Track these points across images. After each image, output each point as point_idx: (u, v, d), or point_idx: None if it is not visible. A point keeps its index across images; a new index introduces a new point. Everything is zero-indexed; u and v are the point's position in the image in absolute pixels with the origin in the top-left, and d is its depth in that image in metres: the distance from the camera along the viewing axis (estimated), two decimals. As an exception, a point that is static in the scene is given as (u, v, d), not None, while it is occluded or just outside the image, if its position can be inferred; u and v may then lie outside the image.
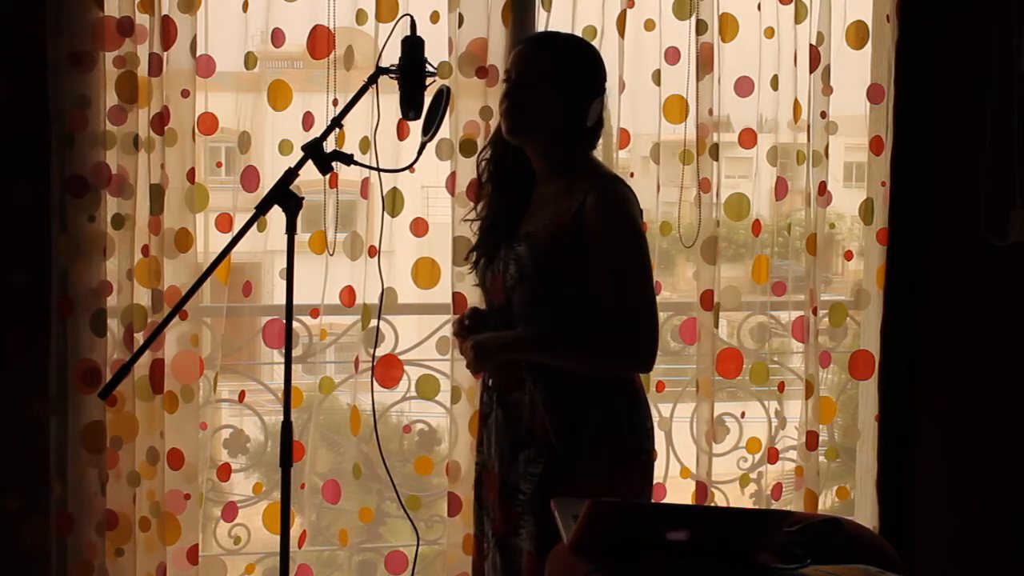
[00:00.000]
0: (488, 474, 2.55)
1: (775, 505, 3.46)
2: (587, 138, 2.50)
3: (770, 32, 3.34)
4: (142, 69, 2.99)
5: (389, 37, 2.59)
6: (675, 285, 4.17)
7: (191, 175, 3.05)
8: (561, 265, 2.39)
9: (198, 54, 3.05)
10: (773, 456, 3.49)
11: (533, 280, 2.41)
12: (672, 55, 3.28)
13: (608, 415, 2.41)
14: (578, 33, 3.17)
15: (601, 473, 2.38)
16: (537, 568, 2.37)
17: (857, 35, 3.40)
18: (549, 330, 2.42)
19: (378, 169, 2.66)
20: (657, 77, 3.27)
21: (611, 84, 2.57)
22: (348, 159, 2.47)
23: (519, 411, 2.45)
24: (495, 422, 2.52)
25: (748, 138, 3.39)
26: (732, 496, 3.53)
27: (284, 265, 2.38)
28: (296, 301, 2.39)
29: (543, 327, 2.43)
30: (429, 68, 2.48)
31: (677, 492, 3.43)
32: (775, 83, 3.34)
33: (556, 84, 2.43)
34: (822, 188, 3.37)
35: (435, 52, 2.75)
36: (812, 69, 3.33)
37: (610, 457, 2.40)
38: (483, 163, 2.59)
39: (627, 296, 2.34)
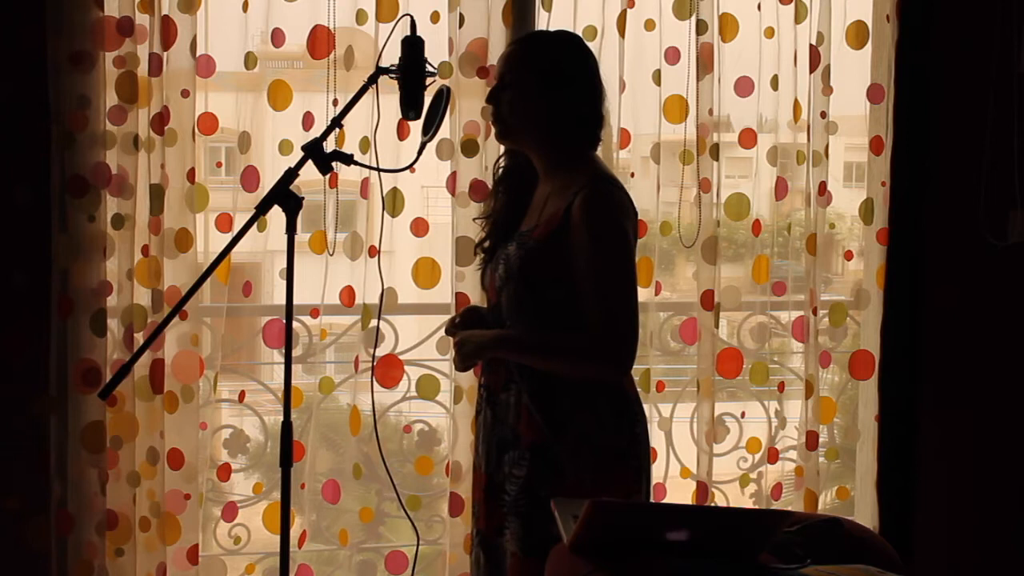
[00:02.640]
0: (476, 473, 2.56)
1: (775, 505, 3.46)
2: (583, 135, 2.46)
3: (770, 32, 3.34)
4: (142, 69, 2.99)
5: (389, 37, 2.59)
6: (675, 285, 4.17)
7: (191, 175, 3.05)
8: (547, 267, 2.37)
9: (198, 54, 3.05)
10: (773, 456, 3.49)
11: (518, 281, 2.41)
12: (672, 55, 3.27)
13: (593, 419, 2.39)
14: (578, 33, 3.17)
15: (585, 478, 2.36)
16: (522, 569, 2.38)
17: (857, 35, 3.40)
18: (532, 330, 2.42)
19: (378, 169, 2.67)
20: (657, 77, 3.27)
21: (611, 84, 2.56)
22: (348, 159, 2.48)
23: (506, 412, 2.45)
24: (484, 421, 2.52)
25: (748, 138, 3.39)
26: (732, 496, 3.53)
27: (284, 265, 2.38)
28: (296, 301, 2.40)
29: (527, 327, 2.42)
30: (429, 68, 2.48)
31: (677, 492, 3.43)
32: (775, 83, 3.34)
33: (536, 84, 2.41)
34: (822, 188, 3.37)
35: (435, 52, 2.75)
36: (812, 69, 3.33)
37: (594, 462, 2.38)
38: (498, 159, 2.61)
39: (604, 299, 2.31)
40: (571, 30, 3.16)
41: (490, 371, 2.51)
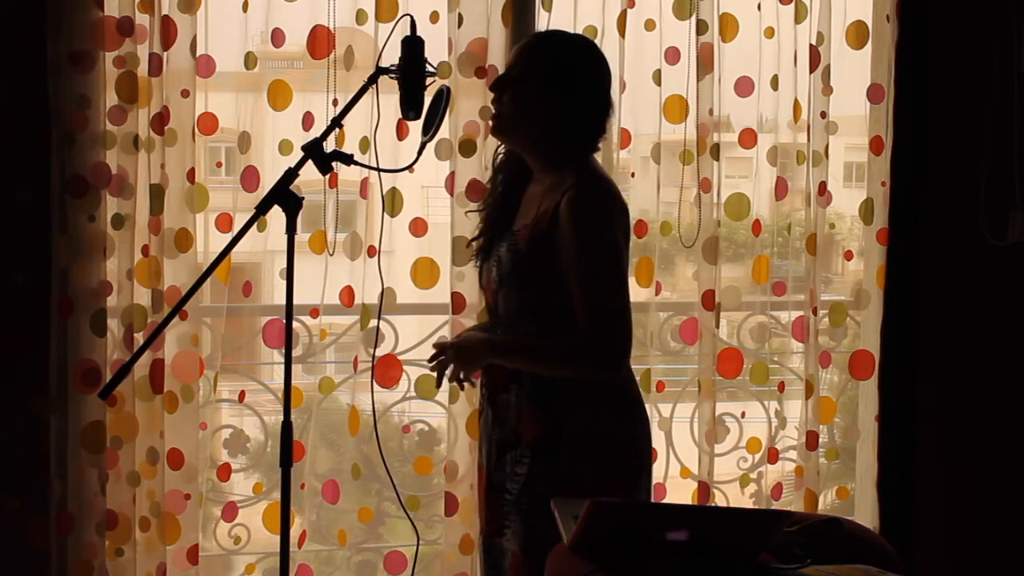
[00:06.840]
0: (480, 473, 2.56)
1: (775, 505, 3.46)
2: (579, 141, 2.42)
3: (770, 32, 3.34)
4: (142, 69, 2.99)
5: (389, 37, 2.59)
6: (675, 285, 4.17)
7: (191, 175, 3.05)
8: (537, 268, 2.36)
9: (198, 54, 3.04)
10: (773, 456, 3.49)
11: (509, 284, 2.41)
12: (672, 55, 3.27)
13: (592, 420, 2.38)
14: (578, 33, 3.17)
15: (584, 477, 2.36)
16: (522, 569, 2.37)
17: (857, 35, 3.40)
18: (524, 334, 2.40)
19: (378, 169, 2.66)
20: (657, 77, 3.27)
21: (612, 84, 2.54)
22: (348, 159, 2.48)
23: (506, 412, 2.45)
24: (485, 422, 2.52)
25: (748, 138, 3.39)
26: (732, 496, 3.53)
27: (284, 265, 2.38)
28: (296, 301, 2.40)
29: (521, 331, 2.41)
30: (429, 68, 2.48)
31: (677, 492, 3.43)
32: (775, 83, 3.34)
33: (539, 85, 2.39)
34: (822, 188, 3.37)
35: (435, 52, 2.75)
36: (812, 69, 3.33)
37: (592, 462, 2.38)
38: (498, 148, 2.58)
39: (593, 299, 2.30)
40: (571, 31, 3.16)
41: (489, 373, 2.51)
